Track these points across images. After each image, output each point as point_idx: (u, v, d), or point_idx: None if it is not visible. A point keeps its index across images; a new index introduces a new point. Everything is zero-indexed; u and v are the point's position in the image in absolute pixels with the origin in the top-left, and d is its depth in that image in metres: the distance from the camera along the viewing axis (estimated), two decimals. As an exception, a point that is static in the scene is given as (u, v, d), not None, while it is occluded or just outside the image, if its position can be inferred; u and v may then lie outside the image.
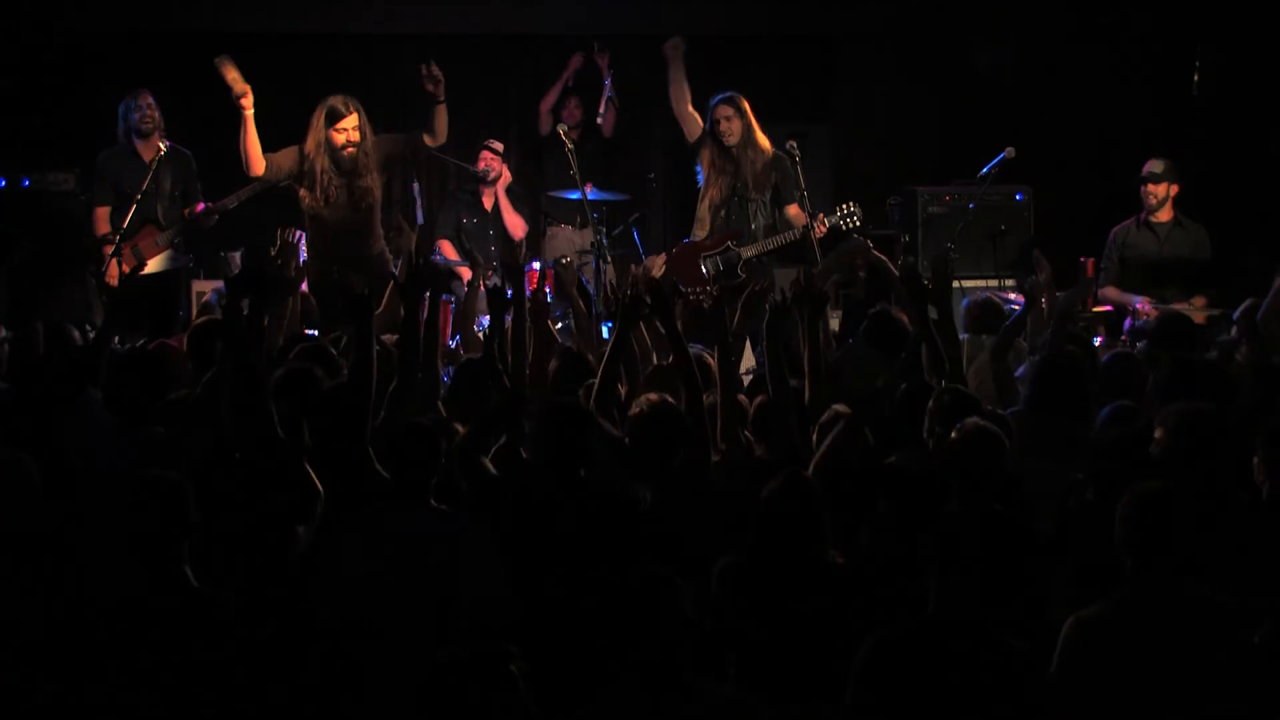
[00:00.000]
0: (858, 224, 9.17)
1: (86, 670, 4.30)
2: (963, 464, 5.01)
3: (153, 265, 9.26)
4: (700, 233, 9.39)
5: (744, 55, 11.79)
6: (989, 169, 9.69)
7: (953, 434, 5.10)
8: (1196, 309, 8.94)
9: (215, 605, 4.37)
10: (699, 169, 9.40)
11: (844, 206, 9.19)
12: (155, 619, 4.31)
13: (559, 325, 9.16)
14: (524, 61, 11.87)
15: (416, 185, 11.24)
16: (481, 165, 10.37)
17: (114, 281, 8.93)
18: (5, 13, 10.84)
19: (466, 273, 9.56)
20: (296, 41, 11.64)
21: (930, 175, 10.55)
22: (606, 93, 10.93)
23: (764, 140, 9.31)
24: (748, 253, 9.22)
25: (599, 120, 10.98)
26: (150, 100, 9.36)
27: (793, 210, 9.21)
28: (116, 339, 7.15)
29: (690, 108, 9.39)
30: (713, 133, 9.28)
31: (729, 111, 9.24)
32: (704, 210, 9.37)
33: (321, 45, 11.71)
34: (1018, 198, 10.36)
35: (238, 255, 9.67)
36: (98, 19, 11.14)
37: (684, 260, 9.37)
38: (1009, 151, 9.57)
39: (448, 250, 10.53)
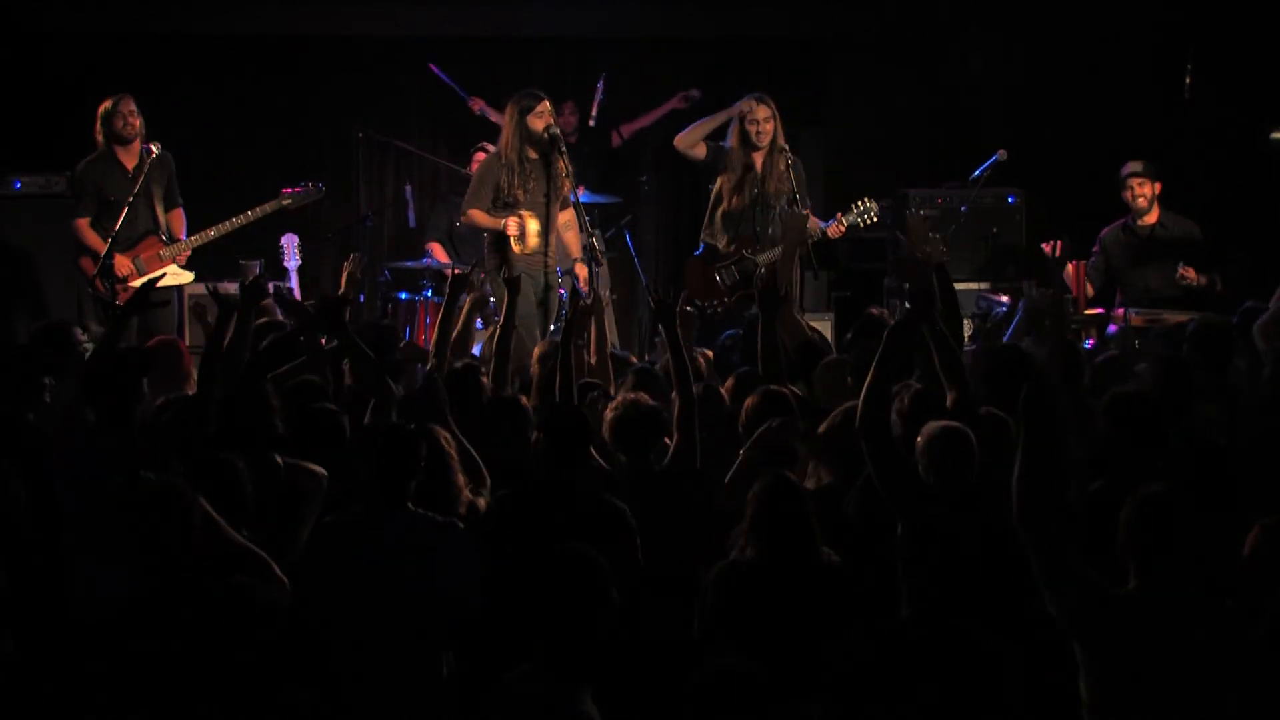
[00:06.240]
0: (875, 220, 9.08)
1: (88, 673, 4.23)
2: (932, 465, 4.98)
3: (170, 279, 9.01)
4: (716, 242, 9.20)
5: (735, 59, 11.79)
6: (981, 172, 9.72)
7: (919, 436, 5.03)
8: (1190, 282, 8.97)
9: (220, 606, 4.22)
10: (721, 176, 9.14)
11: (860, 204, 9.09)
12: (160, 621, 4.21)
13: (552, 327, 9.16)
14: (520, 64, 11.87)
15: (409, 188, 11.25)
16: (473, 168, 10.35)
17: (123, 298, 8.76)
18: (-1, 13, 10.84)
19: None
20: (295, 43, 11.65)
21: (922, 178, 10.56)
22: (598, 95, 10.93)
23: (784, 144, 9.15)
24: (763, 259, 8.99)
25: (591, 123, 10.98)
26: (132, 106, 9.11)
27: (807, 213, 8.98)
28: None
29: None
30: (742, 134, 9.07)
31: (768, 113, 9.03)
32: (719, 218, 9.18)
33: (320, 46, 11.71)
34: (1009, 200, 10.37)
35: (256, 265, 9.52)
36: (94, 20, 11.13)
37: (696, 274, 9.22)
38: (1001, 154, 9.59)
39: (439, 254, 10.53)
